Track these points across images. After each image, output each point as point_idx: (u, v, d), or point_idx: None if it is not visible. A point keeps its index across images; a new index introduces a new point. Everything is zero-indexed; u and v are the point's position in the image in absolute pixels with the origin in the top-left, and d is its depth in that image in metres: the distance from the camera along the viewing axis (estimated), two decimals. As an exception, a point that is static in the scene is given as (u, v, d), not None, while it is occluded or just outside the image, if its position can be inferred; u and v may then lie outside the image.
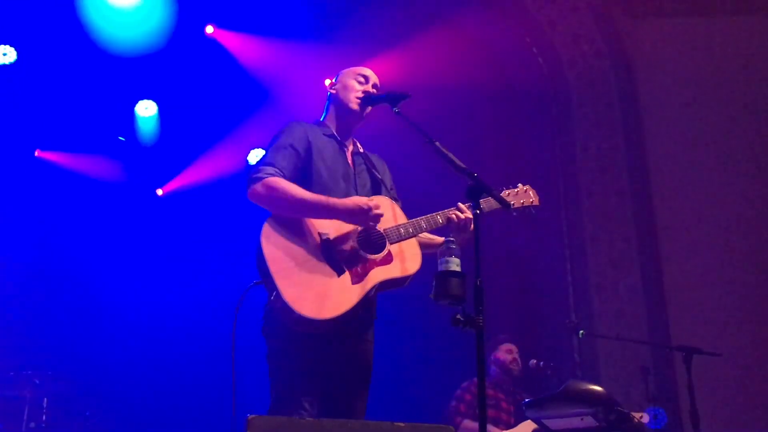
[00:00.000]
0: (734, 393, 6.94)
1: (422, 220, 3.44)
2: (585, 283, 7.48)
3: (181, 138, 8.32)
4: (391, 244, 3.34)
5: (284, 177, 3.35)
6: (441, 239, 3.56)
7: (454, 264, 2.87)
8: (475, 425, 6.10)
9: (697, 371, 4.97)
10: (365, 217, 3.26)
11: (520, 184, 3.79)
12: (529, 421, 5.50)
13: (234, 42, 7.90)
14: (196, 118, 8.22)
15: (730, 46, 7.87)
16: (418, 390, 7.34)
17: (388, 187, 3.72)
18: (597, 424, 4.13)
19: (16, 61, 7.39)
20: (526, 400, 4.54)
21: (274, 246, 3.21)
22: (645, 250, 7.46)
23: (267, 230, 3.24)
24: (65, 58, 7.53)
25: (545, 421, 4.39)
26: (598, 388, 4.19)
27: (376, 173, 3.66)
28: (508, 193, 3.74)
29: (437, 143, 3.15)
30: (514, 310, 7.86)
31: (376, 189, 3.62)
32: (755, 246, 7.38)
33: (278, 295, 3.11)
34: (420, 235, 3.52)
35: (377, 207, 3.27)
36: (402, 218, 3.48)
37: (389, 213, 3.44)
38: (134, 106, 8.11)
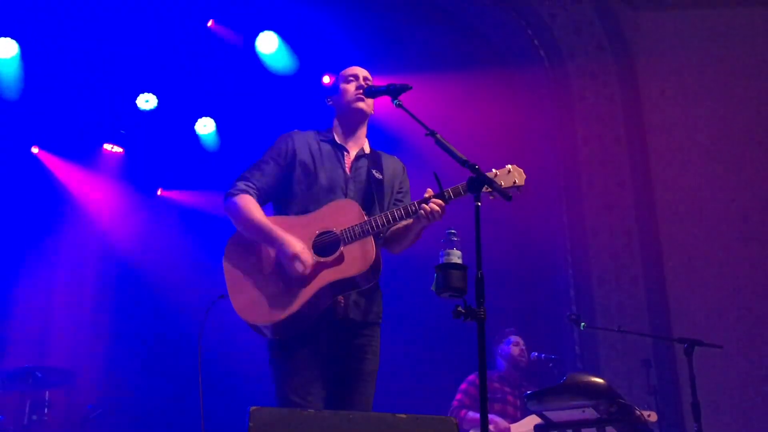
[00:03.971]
0: (736, 385, 6.94)
1: (379, 217, 3.43)
2: (586, 276, 7.47)
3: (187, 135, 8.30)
4: (345, 245, 3.38)
5: (257, 192, 3.56)
6: (409, 221, 3.53)
7: (456, 256, 2.88)
8: (478, 416, 6.11)
9: (699, 363, 4.97)
10: (286, 259, 3.35)
11: (507, 165, 3.53)
12: (534, 415, 5.50)
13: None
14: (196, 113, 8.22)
15: (731, 37, 7.85)
16: (422, 382, 7.35)
17: (395, 188, 3.73)
18: (598, 416, 4.13)
19: (18, 55, 7.38)
20: (528, 392, 4.55)
21: (232, 260, 3.48)
22: (646, 242, 7.46)
23: (229, 246, 3.53)
24: (66, 50, 7.51)
25: (547, 414, 4.39)
26: (599, 380, 4.19)
27: (377, 174, 3.67)
28: (495, 174, 3.48)
29: (438, 135, 3.15)
30: (516, 303, 7.85)
31: (369, 192, 3.62)
32: (757, 238, 7.37)
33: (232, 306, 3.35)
34: (397, 227, 3.58)
35: (302, 260, 3.32)
36: (359, 219, 3.46)
37: (350, 214, 3.45)
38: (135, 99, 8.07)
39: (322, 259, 3.35)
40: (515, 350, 6.67)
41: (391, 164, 3.79)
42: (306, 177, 3.58)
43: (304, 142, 3.67)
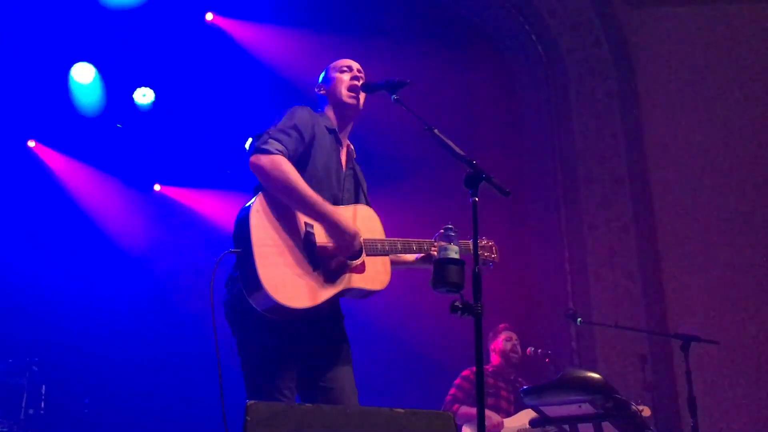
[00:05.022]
0: (732, 381, 6.96)
1: (398, 242, 3.47)
2: (583, 271, 7.48)
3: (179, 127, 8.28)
4: (367, 255, 3.36)
5: (289, 158, 3.30)
6: (412, 257, 3.68)
7: (453, 251, 2.88)
8: (471, 410, 6.14)
9: (695, 359, 4.99)
10: (343, 241, 3.24)
11: (484, 238, 3.86)
12: (528, 409, 5.51)
13: (240, 30, 7.89)
14: (195, 107, 8.19)
15: (729, 33, 7.85)
16: (418, 378, 7.36)
17: (366, 196, 3.73)
18: (595, 411, 4.13)
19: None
20: (524, 387, 4.55)
21: (262, 220, 3.17)
22: (643, 238, 7.47)
23: (259, 203, 3.22)
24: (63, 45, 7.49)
25: (543, 409, 4.39)
26: (595, 375, 4.19)
27: (361, 183, 3.69)
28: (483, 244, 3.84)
29: (436, 130, 3.14)
30: (513, 298, 7.87)
31: (357, 195, 3.64)
32: (754, 234, 7.38)
33: (253, 271, 3.08)
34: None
35: (359, 244, 3.29)
36: (380, 233, 3.49)
37: (372, 224, 3.47)
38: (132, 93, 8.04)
39: (348, 261, 3.29)
40: (507, 346, 6.70)
41: (359, 170, 3.78)
42: (322, 164, 3.47)
43: (320, 124, 3.54)
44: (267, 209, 3.21)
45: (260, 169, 3.23)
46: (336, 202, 3.46)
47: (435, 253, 3.47)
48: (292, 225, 3.24)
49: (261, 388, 3.19)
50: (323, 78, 3.73)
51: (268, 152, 3.24)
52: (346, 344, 3.48)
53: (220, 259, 3.17)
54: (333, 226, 3.24)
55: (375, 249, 3.37)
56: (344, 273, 3.28)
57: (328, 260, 3.26)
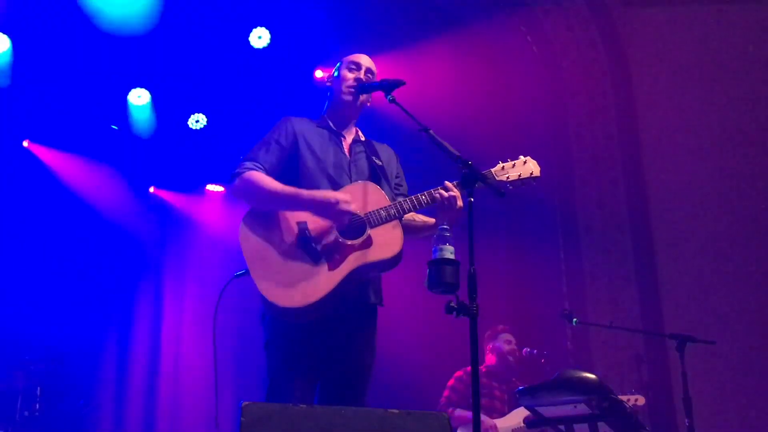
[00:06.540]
0: (727, 380, 6.97)
1: (405, 202, 3.42)
2: (578, 272, 7.49)
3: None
4: (372, 228, 3.34)
5: (265, 171, 3.45)
6: (432, 220, 3.61)
7: (448, 252, 2.88)
8: (466, 414, 6.13)
9: (691, 359, 4.99)
10: (332, 210, 3.28)
11: (521, 156, 3.64)
12: (521, 408, 5.51)
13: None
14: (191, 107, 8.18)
15: (723, 33, 7.86)
16: (412, 378, 7.36)
17: (393, 174, 3.72)
18: (590, 411, 4.13)
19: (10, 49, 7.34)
20: (519, 387, 4.55)
21: (250, 241, 3.33)
22: (638, 238, 7.48)
23: (244, 226, 3.36)
24: (58, 43, 7.47)
25: (538, 409, 4.39)
26: (591, 376, 4.18)
27: (377, 161, 3.66)
28: (513, 164, 3.60)
29: (431, 131, 3.15)
30: (508, 299, 7.87)
31: (374, 177, 3.61)
32: (749, 234, 7.39)
33: (257, 287, 3.23)
34: (415, 219, 3.60)
35: (346, 201, 3.29)
36: (386, 202, 3.45)
37: (376, 197, 3.44)
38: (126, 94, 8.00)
39: (349, 242, 3.29)
40: (506, 348, 6.69)
41: (385, 151, 3.80)
42: (313, 158, 3.53)
43: (304, 126, 3.63)
44: (253, 227, 3.36)
45: (236, 191, 3.45)
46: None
47: (438, 197, 3.39)
48: (284, 230, 3.33)
49: (275, 387, 3.28)
50: (336, 70, 3.80)
51: (238, 175, 3.43)
52: (367, 353, 3.47)
53: (226, 285, 3.31)
54: (315, 204, 3.30)
55: (379, 218, 3.35)
56: (349, 254, 3.28)
57: (329, 247, 3.29)
